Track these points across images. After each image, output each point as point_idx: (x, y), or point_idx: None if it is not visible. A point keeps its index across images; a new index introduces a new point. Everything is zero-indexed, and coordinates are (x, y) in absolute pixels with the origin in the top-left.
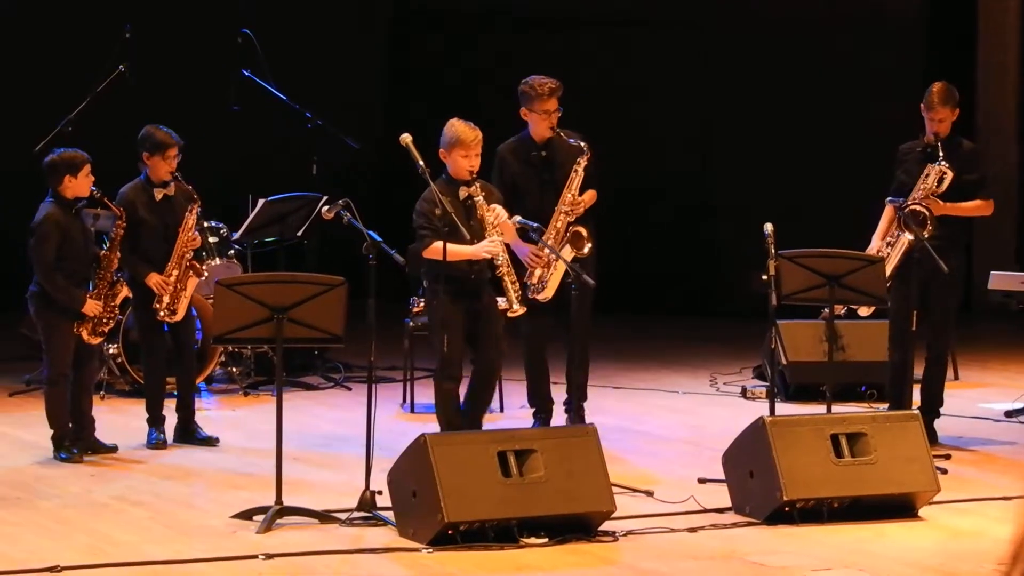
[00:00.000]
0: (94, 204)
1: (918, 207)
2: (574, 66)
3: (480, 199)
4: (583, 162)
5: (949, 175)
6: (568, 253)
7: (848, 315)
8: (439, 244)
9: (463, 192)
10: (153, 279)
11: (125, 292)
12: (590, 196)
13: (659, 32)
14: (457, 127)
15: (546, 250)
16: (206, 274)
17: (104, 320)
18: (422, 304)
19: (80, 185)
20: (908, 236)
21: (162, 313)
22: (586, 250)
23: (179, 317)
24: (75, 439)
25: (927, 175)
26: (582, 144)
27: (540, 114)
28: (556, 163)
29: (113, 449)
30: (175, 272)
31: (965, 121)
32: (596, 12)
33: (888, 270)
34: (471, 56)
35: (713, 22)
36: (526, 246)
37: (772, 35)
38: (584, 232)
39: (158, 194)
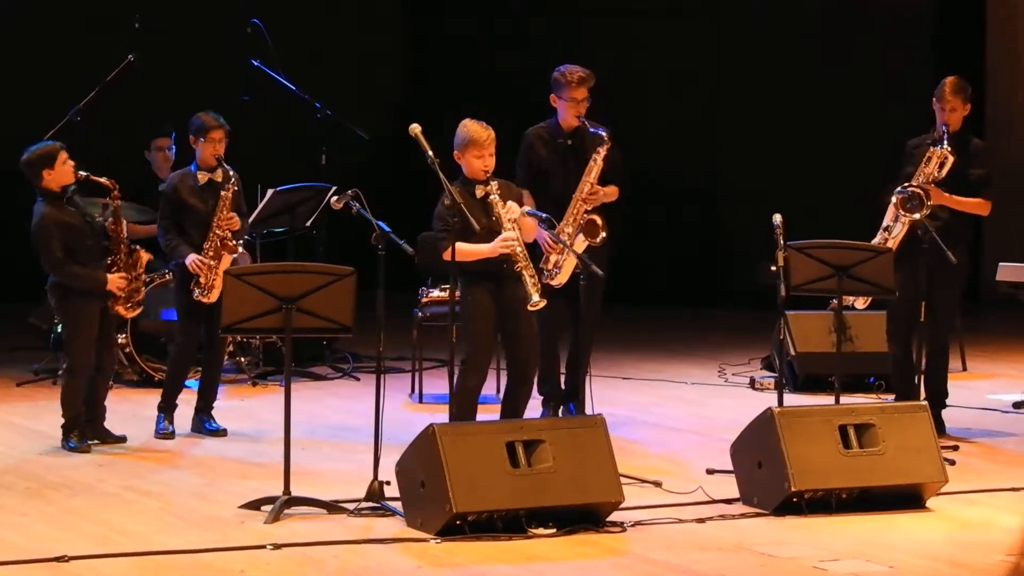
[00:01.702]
0: (88, 186)
1: (916, 189)
2: (584, 52)
3: (496, 196)
4: (602, 151)
5: (950, 160)
6: (582, 242)
7: (845, 307)
8: (458, 245)
9: (480, 191)
10: (190, 258)
11: (147, 257)
12: (612, 190)
13: (666, 23)
14: (470, 127)
15: (563, 235)
16: (240, 250)
17: (134, 290)
18: (431, 294)
19: (60, 174)
20: (907, 218)
21: (196, 293)
22: (599, 239)
23: (214, 298)
24: (85, 425)
25: (928, 158)
26: (603, 134)
27: (568, 102)
28: (582, 151)
29: (122, 440)
30: (211, 251)
31: (974, 113)
32: (607, 0)
33: None
34: (486, 42)
35: (720, 12)
36: (544, 232)
37: (779, 29)
38: (599, 221)
39: (203, 178)
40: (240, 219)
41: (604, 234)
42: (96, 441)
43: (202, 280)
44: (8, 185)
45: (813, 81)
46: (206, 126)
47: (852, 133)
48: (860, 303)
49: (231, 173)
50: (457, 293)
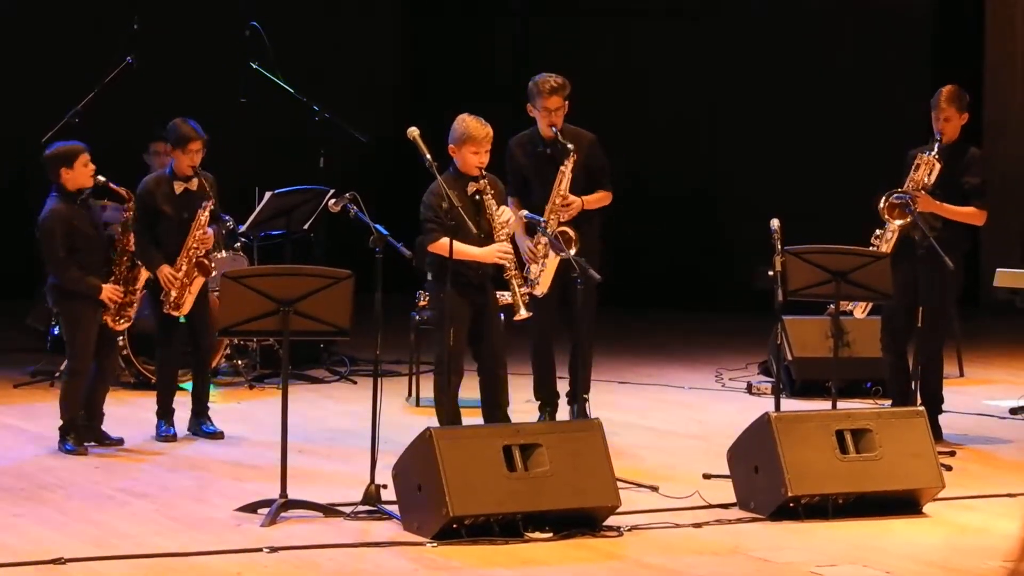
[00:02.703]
0: (103, 193)
1: (902, 195)
2: (583, 53)
3: (489, 196)
4: (569, 164)
5: (937, 167)
6: (553, 257)
7: (842, 314)
8: (446, 240)
9: (472, 187)
10: (163, 271)
11: (146, 275)
12: (601, 196)
13: (666, 25)
14: (468, 123)
15: (540, 244)
16: (214, 272)
17: (127, 304)
18: (428, 298)
19: (79, 176)
20: (893, 224)
21: (167, 307)
22: (571, 252)
23: (184, 311)
24: (83, 428)
25: (917, 166)
26: (570, 146)
27: (541, 111)
28: (560, 161)
29: (119, 442)
30: (184, 267)
31: (973, 115)
32: (606, 1)
33: None
34: (485, 43)
35: (718, 13)
36: (525, 240)
37: (778, 29)
38: (571, 233)
39: (178, 187)
40: (215, 224)
41: (577, 247)
42: (93, 443)
43: (173, 295)
44: (6, 186)
45: (812, 83)
46: (185, 137)
47: (851, 137)
48: (859, 312)
49: (207, 186)
50: (427, 297)
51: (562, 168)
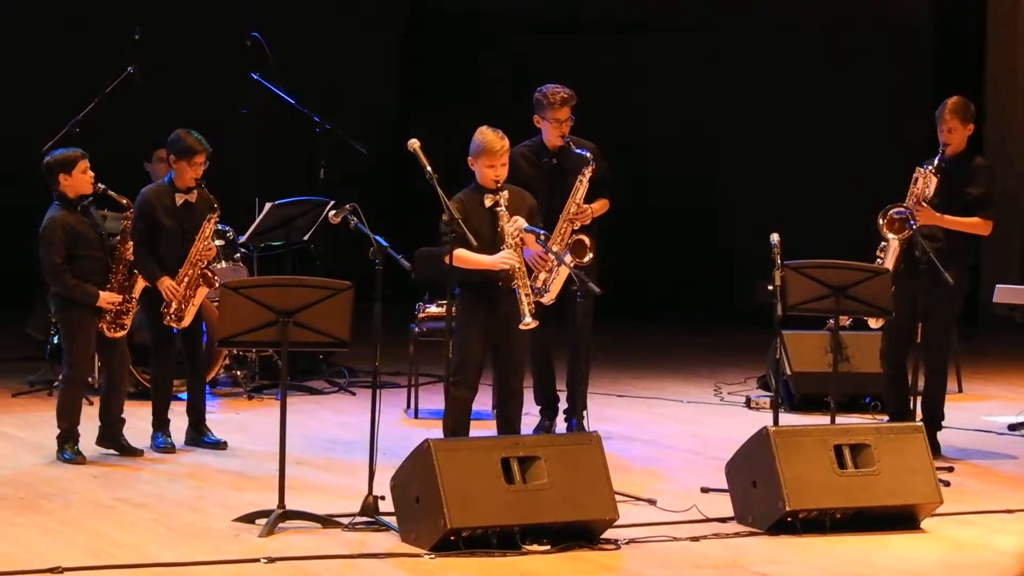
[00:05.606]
0: (103, 201)
1: (901, 207)
2: (583, 68)
3: (503, 209)
4: (588, 173)
5: (934, 180)
6: (569, 262)
7: (856, 326)
8: (459, 251)
9: (488, 200)
10: (164, 283)
11: (143, 283)
12: (600, 205)
13: (665, 36)
14: (486, 135)
15: (551, 255)
16: (217, 284)
17: (123, 312)
18: (428, 310)
19: (78, 183)
20: (894, 239)
21: (167, 319)
22: (587, 259)
23: (186, 324)
24: (101, 434)
25: (916, 179)
26: (588, 155)
27: (551, 123)
28: (567, 171)
29: (139, 452)
30: (186, 279)
31: (974, 130)
32: (604, 15)
33: None
34: (485, 58)
35: (718, 27)
36: (532, 248)
37: (778, 41)
38: (587, 241)
39: (179, 199)
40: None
41: (591, 255)
42: (114, 451)
43: (173, 306)
44: (6, 191)
45: (813, 98)
46: (192, 150)
47: (852, 150)
48: (873, 322)
49: (215, 201)
50: (427, 309)
51: (580, 176)
